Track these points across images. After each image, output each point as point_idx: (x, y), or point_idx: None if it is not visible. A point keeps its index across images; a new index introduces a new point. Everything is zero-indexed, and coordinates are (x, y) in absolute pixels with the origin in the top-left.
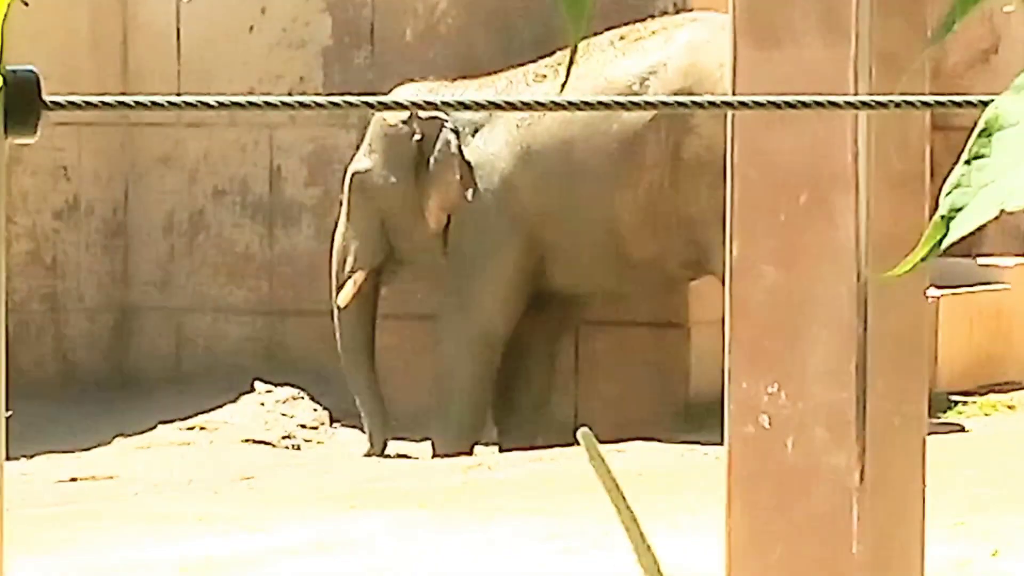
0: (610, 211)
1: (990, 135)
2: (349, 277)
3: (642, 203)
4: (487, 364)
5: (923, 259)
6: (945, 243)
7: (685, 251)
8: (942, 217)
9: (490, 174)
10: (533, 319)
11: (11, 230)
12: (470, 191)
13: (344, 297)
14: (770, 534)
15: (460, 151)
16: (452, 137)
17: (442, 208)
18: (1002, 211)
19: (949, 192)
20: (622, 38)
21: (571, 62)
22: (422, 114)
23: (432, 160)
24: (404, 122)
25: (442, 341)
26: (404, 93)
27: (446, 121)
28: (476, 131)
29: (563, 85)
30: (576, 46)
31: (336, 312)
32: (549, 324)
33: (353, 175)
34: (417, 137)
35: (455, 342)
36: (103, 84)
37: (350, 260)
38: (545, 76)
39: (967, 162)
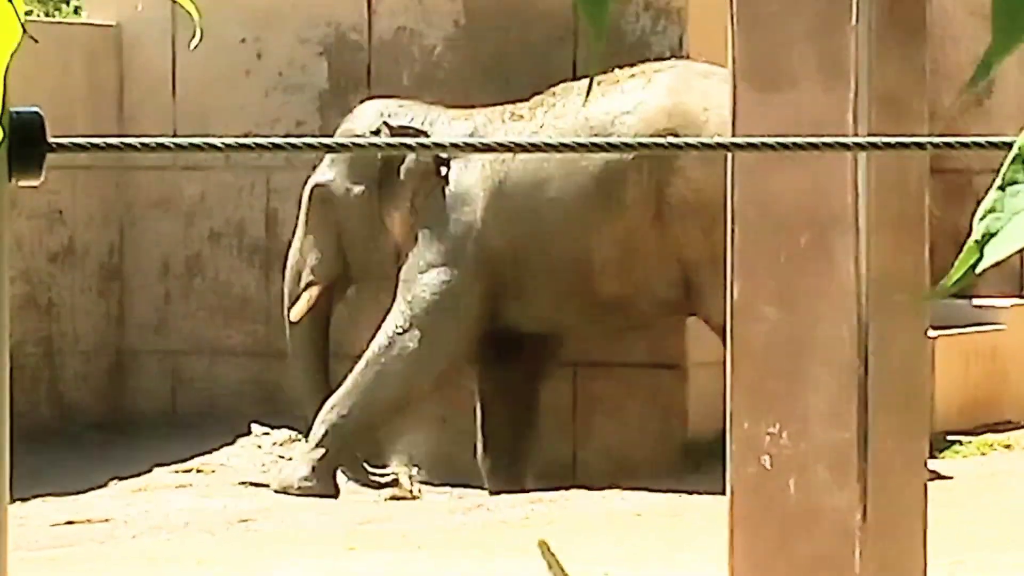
0: (583, 249)
1: None
2: (304, 291)
3: (620, 242)
4: (417, 397)
5: (956, 282)
6: (979, 268)
7: (662, 292)
8: (976, 242)
9: (461, 207)
10: (509, 363)
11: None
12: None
13: (298, 312)
14: (772, 574)
15: (436, 160)
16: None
17: (405, 221)
18: None
19: (983, 217)
20: (600, 83)
21: (591, 81)
22: (393, 124)
23: (403, 171)
24: (372, 134)
25: (384, 361)
26: (369, 109)
27: (421, 133)
28: (448, 163)
29: (586, 96)
30: (596, 65)
31: (288, 326)
32: (526, 367)
33: (314, 187)
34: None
35: (398, 367)
36: (98, 128)
37: (306, 273)
38: (522, 116)
39: (1001, 188)
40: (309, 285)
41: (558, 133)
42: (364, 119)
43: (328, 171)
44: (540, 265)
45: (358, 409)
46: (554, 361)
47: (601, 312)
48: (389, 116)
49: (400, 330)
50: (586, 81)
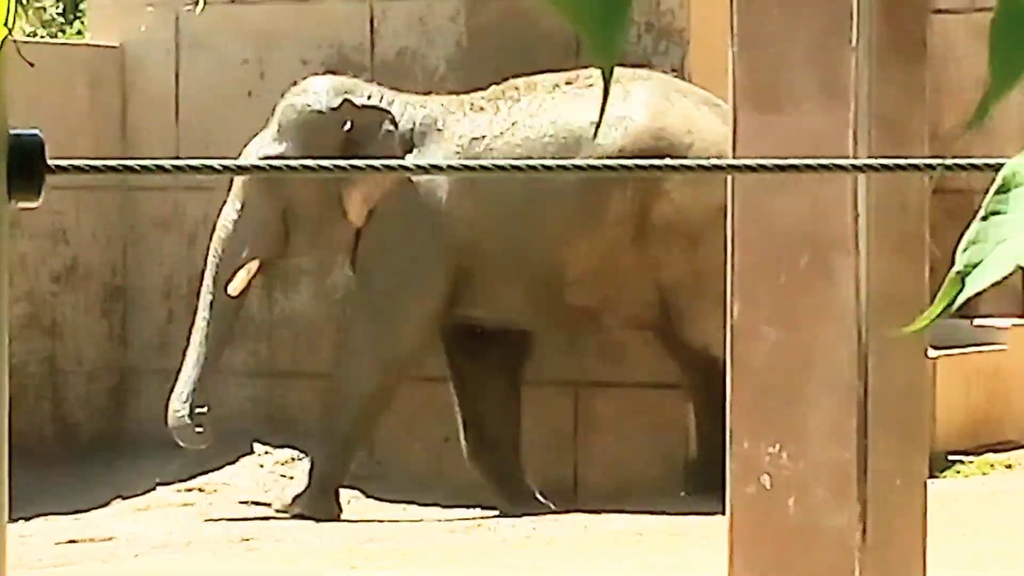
0: (555, 255)
1: (1007, 191)
2: (241, 266)
3: (597, 256)
4: (390, 389)
5: (938, 316)
6: (960, 298)
7: (634, 310)
8: (957, 273)
9: (423, 197)
10: (482, 363)
11: (9, 293)
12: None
13: (236, 287)
14: None
15: (402, 142)
16: (393, 128)
17: (366, 200)
18: (1018, 267)
19: (966, 248)
20: (568, 83)
21: (606, 94)
22: (357, 102)
23: (369, 149)
24: (332, 110)
25: (349, 358)
26: (321, 83)
27: (388, 112)
28: (409, 151)
29: (596, 126)
30: (609, 77)
31: (212, 296)
32: (499, 366)
33: (259, 160)
34: (347, 127)
35: (363, 362)
36: (101, 149)
37: (245, 249)
38: (483, 108)
39: (983, 218)
40: (247, 260)
41: (531, 131)
42: (319, 95)
43: (277, 143)
44: (506, 261)
45: (346, 417)
46: (528, 365)
47: (567, 320)
48: (347, 93)
49: (361, 324)
50: (550, 75)
